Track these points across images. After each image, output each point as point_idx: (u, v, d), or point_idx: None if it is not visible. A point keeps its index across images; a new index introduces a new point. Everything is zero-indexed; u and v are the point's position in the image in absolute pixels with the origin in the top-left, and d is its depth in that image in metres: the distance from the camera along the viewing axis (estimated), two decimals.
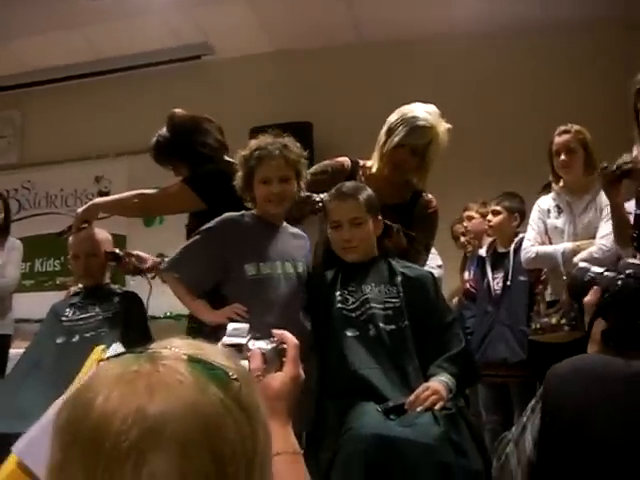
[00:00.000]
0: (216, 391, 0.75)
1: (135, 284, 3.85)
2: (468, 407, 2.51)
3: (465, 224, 4.70)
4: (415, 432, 2.05)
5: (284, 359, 1.31)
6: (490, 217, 4.26)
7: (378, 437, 2.00)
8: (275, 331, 1.35)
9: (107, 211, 3.37)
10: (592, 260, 3.30)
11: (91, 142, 6.50)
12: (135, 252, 3.39)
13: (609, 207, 3.42)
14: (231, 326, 1.36)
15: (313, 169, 2.95)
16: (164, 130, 3.23)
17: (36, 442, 1.53)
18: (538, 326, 3.56)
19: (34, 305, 4.77)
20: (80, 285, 3.34)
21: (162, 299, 3.70)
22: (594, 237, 3.41)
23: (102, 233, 3.26)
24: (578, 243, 3.44)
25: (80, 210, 3.18)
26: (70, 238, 3.20)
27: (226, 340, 1.32)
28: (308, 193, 2.78)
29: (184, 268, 2.58)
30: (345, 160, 3.02)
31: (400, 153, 2.86)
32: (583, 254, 3.36)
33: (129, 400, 0.71)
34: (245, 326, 1.36)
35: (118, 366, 0.76)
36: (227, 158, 3.20)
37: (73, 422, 0.73)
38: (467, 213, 4.68)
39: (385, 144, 2.89)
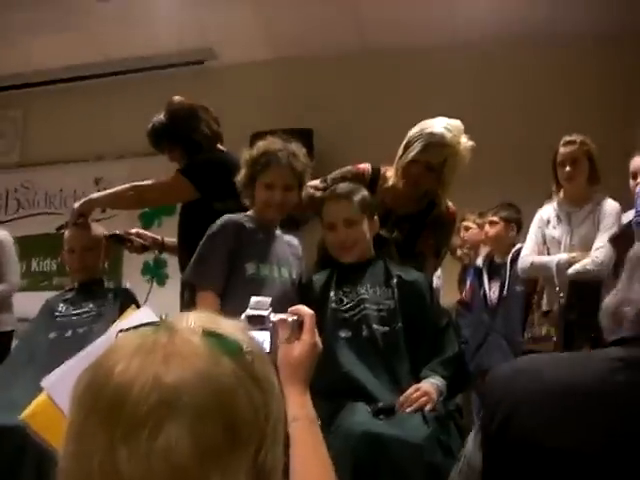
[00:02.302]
0: (229, 363, 0.79)
1: (131, 285, 3.87)
2: (461, 416, 2.50)
3: (462, 234, 4.71)
4: (404, 432, 2.04)
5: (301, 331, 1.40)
6: (487, 228, 4.28)
7: (367, 435, 1.99)
8: (291, 308, 1.44)
9: (103, 205, 3.40)
10: (585, 272, 3.32)
11: (91, 143, 6.50)
12: (134, 230, 3.43)
13: (607, 219, 3.44)
14: (254, 299, 1.45)
15: (334, 174, 2.96)
16: (161, 115, 3.31)
17: (63, 378, 1.60)
18: (530, 335, 3.57)
19: (30, 304, 4.75)
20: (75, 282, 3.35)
21: (158, 301, 3.71)
22: (590, 249, 3.41)
23: (98, 228, 3.27)
24: (573, 254, 3.44)
25: (76, 204, 3.20)
26: (65, 232, 3.21)
27: (249, 312, 1.41)
28: (311, 193, 2.78)
29: (209, 278, 2.53)
30: (366, 168, 2.99)
31: (414, 168, 2.82)
32: (577, 266, 3.37)
33: (147, 369, 0.75)
34: (267, 299, 1.45)
35: (137, 337, 0.81)
36: (220, 147, 3.27)
37: (93, 388, 0.77)
38: (464, 223, 4.69)
39: (401, 158, 2.87)
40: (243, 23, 5.76)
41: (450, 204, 3.02)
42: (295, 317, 1.42)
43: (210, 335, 0.81)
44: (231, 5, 5.55)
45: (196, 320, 0.84)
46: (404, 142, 2.88)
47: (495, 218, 4.19)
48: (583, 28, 5.32)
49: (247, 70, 6.24)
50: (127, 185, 3.19)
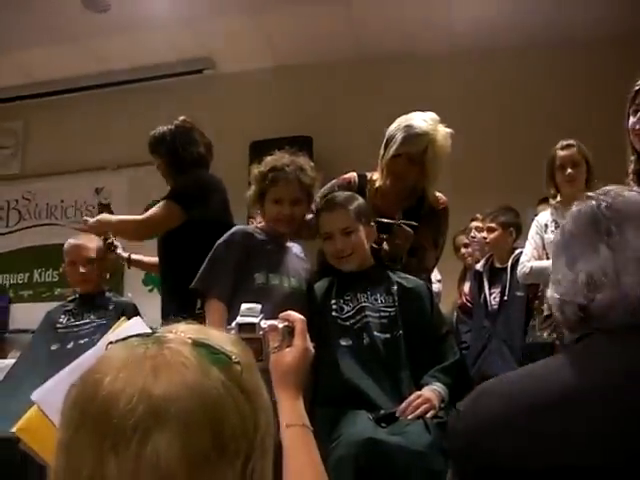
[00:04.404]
0: (218, 374, 0.79)
1: (133, 295, 3.89)
2: None
3: (472, 234, 4.66)
4: (406, 439, 2.04)
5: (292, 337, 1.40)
6: (485, 234, 4.26)
7: (369, 442, 1.99)
8: (282, 314, 1.45)
9: (109, 229, 3.41)
10: None
11: (92, 154, 6.53)
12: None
13: None
14: (244, 306, 1.45)
15: (321, 191, 2.96)
16: (168, 126, 3.37)
17: (53, 390, 1.61)
18: (531, 340, 3.56)
19: (32, 315, 4.78)
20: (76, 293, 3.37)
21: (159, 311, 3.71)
22: None
23: (97, 241, 3.29)
24: None
25: (92, 220, 3.23)
26: (65, 245, 3.24)
27: (240, 319, 1.42)
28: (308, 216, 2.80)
29: (216, 287, 2.51)
30: (352, 176, 3.01)
31: (398, 163, 2.85)
32: None
33: (135, 380, 0.75)
34: (258, 306, 1.45)
35: (126, 349, 0.81)
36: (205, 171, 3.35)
37: (82, 400, 0.77)
38: (475, 224, 4.63)
39: (384, 156, 2.90)
40: (242, 32, 5.79)
41: (439, 194, 3.03)
42: (286, 323, 1.42)
43: (199, 346, 0.81)
44: (230, 14, 5.58)
45: (186, 331, 0.85)
46: (384, 140, 2.91)
47: (493, 224, 4.17)
48: (579, 33, 5.34)
49: (246, 79, 6.27)
50: (131, 218, 3.27)
